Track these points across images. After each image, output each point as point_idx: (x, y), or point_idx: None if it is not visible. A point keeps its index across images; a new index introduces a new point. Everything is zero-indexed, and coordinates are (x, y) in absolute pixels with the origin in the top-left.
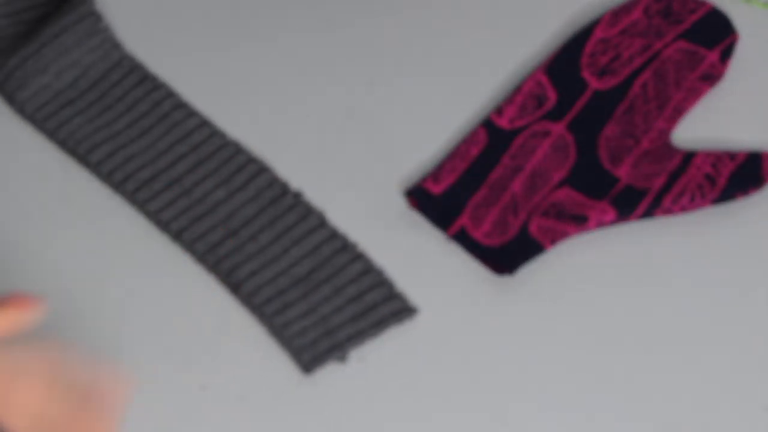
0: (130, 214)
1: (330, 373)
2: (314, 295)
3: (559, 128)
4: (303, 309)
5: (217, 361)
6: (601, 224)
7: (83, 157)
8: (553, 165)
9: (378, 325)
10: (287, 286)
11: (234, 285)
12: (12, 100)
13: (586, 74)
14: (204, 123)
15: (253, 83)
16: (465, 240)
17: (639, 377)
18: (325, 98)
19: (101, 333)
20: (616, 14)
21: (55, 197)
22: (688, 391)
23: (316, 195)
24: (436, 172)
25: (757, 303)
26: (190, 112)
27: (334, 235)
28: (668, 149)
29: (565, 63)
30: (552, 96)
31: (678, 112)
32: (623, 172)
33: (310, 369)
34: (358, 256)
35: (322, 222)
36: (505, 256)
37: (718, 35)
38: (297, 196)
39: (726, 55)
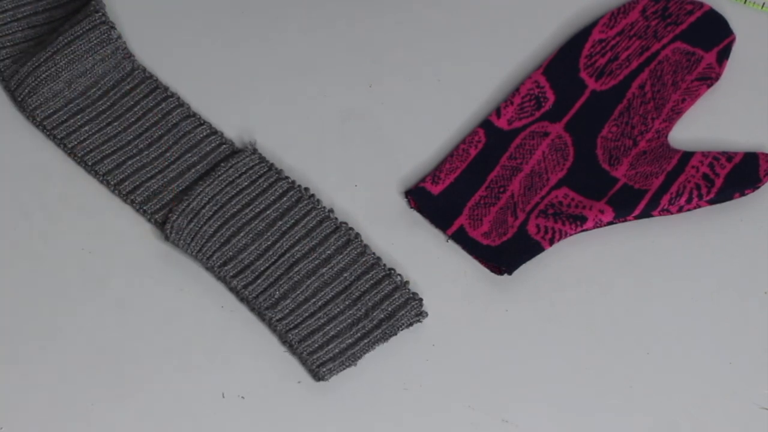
0: (135, 218)
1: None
2: (329, 305)
3: (557, 129)
4: (317, 318)
5: (218, 362)
6: (599, 224)
7: (92, 166)
8: (552, 165)
9: (389, 331)
10: (303, 299)
11: (243, 297)
12: (23, 107)
13: (584, 75)
14: (213, 132)
15: (254, 85)
16: (464, 240)
17: (637, 375)
18: (326, 99)
19: (102, 333)
20: (613, 16)
21: (62, 201)
22: (685, 388)
23: (317, 195)
24: (436, 173)
25: (754, 302)
26: (199, 122)
27: (348, 242)
28: (666, 150)
29: (563, 64)
30: (550, 97)
31: (675, 113)
32: (621, 173)
33: (323, 377)
34: (374, 264)
35: (335, 229)
36: (503, 255)
37: (715, 36)
38: (310, 198)
39: (723, 56)
